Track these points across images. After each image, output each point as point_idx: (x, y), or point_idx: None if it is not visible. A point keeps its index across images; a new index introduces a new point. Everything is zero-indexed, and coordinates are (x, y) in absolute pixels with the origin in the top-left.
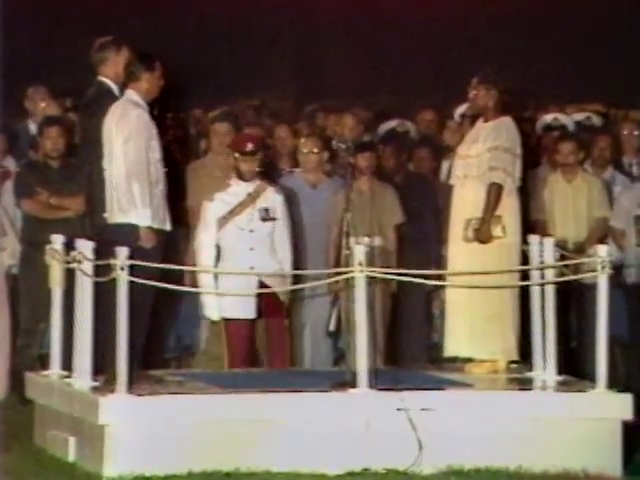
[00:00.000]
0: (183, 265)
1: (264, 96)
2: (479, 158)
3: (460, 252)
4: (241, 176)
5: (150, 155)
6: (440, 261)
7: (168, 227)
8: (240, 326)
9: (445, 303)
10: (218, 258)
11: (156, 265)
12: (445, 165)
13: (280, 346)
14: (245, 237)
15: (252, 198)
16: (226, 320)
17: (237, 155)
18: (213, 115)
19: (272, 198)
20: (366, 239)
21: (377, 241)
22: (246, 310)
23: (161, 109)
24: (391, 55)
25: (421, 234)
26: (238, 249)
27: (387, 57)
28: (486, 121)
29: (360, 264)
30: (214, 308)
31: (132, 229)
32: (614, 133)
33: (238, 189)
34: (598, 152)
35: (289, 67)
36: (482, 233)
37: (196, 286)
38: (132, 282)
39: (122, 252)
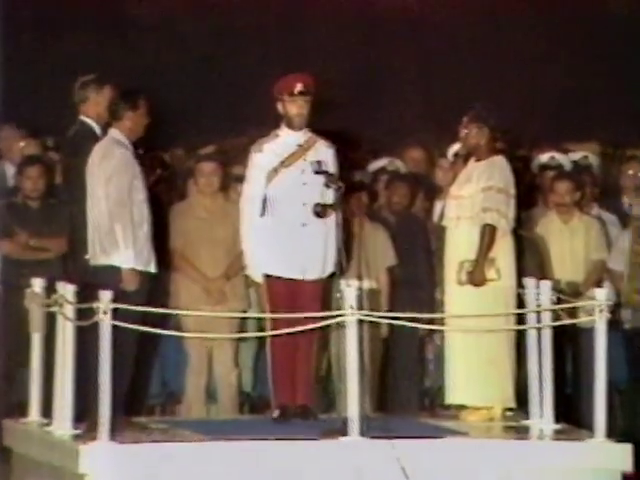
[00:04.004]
0: (168, 308)
1: (254, 134)
2: (472, 199)
3: (454, 295)
4: (290, 123)
5: (134, 195)
6: (433, 304)
7: (153, 269)
8: (282, 285)
9: (440, 348)
10: (263, 214)
11: (140, 308)
12: (438, 206)
13: (305, 378)
14: (297, 191)
15: (303, 149)
16: (268, 277)
17: (285, 97)
18: (199, 154)
19: (324, 151)
20: (357, 281)
21: (368, 283)
22: (291, 269)
23: (146, 148)
24: (380, 93)
25: (414, 276)
26: (289, 203)
27: (377, 95)
28: (478, 160)
29: (351, 307)
30: (256, 267)
31: (114, 271)
32: (602, 172)
33: (288, 139)
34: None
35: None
36: (475, 276)
37: (182, 330)
38: (115, 326)
39: (105, 295)
